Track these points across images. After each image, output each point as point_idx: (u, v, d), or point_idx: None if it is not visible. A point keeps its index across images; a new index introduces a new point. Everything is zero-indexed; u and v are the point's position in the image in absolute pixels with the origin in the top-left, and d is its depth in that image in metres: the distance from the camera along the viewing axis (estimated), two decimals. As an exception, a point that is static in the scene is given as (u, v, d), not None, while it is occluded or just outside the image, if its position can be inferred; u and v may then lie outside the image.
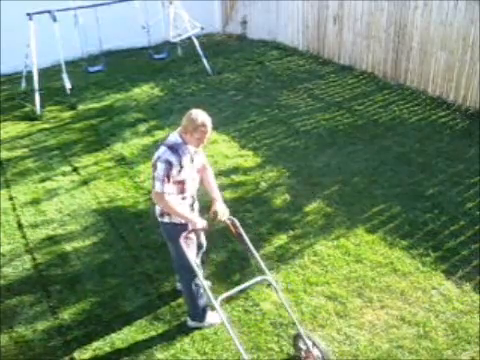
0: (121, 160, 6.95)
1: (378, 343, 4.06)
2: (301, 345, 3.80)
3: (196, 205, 4.12)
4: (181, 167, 3.78)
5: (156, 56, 10.08)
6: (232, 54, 11.05)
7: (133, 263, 5.01)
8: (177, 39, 9.97)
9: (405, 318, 4.27)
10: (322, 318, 4.29)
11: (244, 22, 12.09)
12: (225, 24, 12.60)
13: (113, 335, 4.19)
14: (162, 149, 3.82)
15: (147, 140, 7.45)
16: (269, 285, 4.28)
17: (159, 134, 7.58)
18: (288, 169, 6.56)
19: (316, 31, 10.44)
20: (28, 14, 8.14)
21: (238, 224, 3.97)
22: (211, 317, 4.21)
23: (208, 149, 7.06)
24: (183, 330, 4.21)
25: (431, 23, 8.18)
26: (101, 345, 4.12)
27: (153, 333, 4.21)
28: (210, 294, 3.72)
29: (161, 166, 3.74)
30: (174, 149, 3.78)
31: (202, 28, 9.93)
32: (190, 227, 3.87)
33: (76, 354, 4.05)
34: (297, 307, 4.40)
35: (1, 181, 6.51)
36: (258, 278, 3.89)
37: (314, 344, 3.70)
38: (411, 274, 4.74)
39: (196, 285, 4.07)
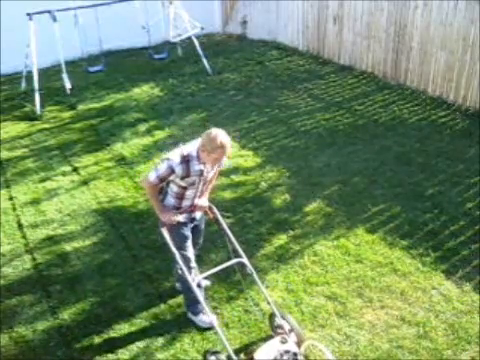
0: (121, 160, 6.95)
1: (378, 343, 4.06)
2: (275, 324, 3.95)
3: (198, 212, 4.19)
4: (185, 176, 3.82)
5: (156, 56, 10.07)
6: (232, 54, 11.04)
7: (133, 263, 5.01)
8: (177, 39, 9.96)
9: (405, 318, 4.27)
10: (322, 318, 4.29)
11: (244, 22, 12.09)
12: (225, 24, 12.60)
13: (113, 335, 4.20)
14: (176, 153, 3.81)
15: (147, 140, 7.45)
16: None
17: (159, 134, 7.59)
18: (288, 169, 6.56)
19: (316, 31, 10.44)
20: (28, 14, 8.13)
21: (215, 210, 4.14)
22: (206, 317, 4.19)
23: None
24: (183, 330, 4.21)
25: (431, 23, 8.19)
26: (101, 345, 4.12)
27: (153, 333, 4.21)
28: (188, 276, 3.83)
29: (163, 166, 3.80)
30: (185, 160, 3.78)
31: (202, 28, 9.92)
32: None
33: (76, 354, 4.05)
34: (297, 307, 4.40)
35: (1, 181, 6.51)
36: (234, 260, 3.99)
37: (289, 324, 3.88)
38: (411, 274, 4.74)
39: (179, 271, 4.07)
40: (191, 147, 3.85)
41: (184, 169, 3.78)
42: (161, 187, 4.04)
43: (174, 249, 3.88)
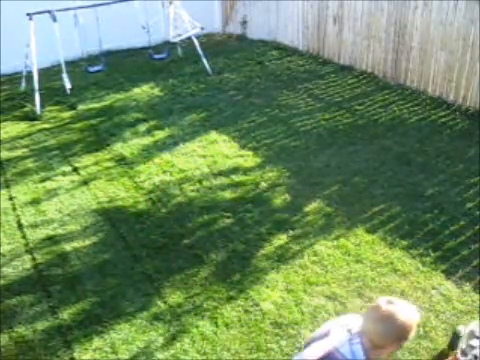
0: (121, 160, 6.94)
1: (378, 343, 4.05)
2: None
3: None
4: None
5: (156, 56, 10.05)
6: (232, 54, 11.03)
7: (133, 263, 5.01)
8: (177, 39, 9.96)
9: (405, 318, 4.27)
10: (322, 318, 4.28)
11: (244, 22, 12.08)
12: (225, 24, 12.60)
13: (113, 335, 4.20)
14: (338, 335, 2.44)
15: (147, 140, 7.45)
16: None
17: (159, 134, 7.58)
18: (288, 169, 6.56)
19: (316, 31, 10.43)
20: (28, 14, 8.12)
21: None
22: None
23: (208, 149, 7.08)
24: (183, 330, 4.22)
25: (431, 23, 8.18)
26: (101, 345, 4.12)
27: (153, 333, 4.21)
28: None
29: None
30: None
31: (202, 28, 9.92)
32: None
33: (76, 354, 4.05)
34: (297, 307, 4.40)
35: (1, 181, 6.50)
36: None
37: None
38: (411, 274, 4.74)
39: None
40: (348, 346, 2.42)
41: None
42: None
43: None
